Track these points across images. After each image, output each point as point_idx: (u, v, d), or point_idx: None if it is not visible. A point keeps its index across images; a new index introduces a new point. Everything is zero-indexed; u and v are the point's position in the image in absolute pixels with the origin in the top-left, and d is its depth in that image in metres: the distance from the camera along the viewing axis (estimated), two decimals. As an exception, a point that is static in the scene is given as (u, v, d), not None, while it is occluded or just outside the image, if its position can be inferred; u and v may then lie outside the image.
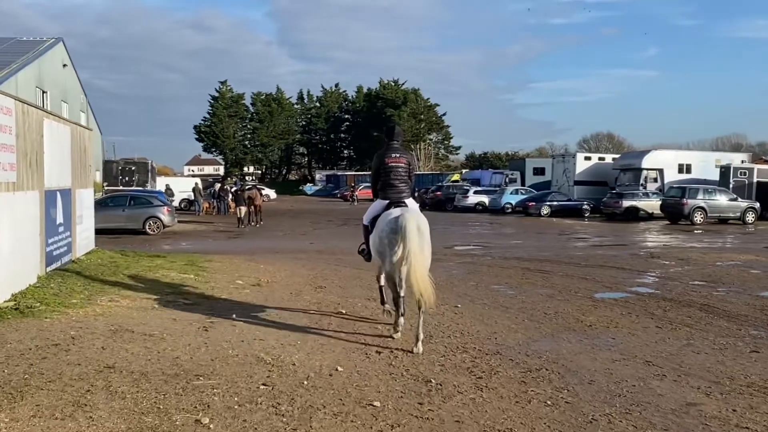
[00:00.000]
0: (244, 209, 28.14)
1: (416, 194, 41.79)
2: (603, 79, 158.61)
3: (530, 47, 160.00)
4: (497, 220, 33.99)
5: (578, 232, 26.96)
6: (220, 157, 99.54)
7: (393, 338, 7.65)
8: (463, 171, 56.59)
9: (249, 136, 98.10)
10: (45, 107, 33.36)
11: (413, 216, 7.32)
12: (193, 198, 37.99)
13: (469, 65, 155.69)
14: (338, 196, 65.05)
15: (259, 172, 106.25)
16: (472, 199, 40.85)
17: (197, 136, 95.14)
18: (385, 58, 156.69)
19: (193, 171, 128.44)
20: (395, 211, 7.52)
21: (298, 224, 30.52)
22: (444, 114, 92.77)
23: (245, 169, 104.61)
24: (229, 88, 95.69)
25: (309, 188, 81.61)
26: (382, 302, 8.73)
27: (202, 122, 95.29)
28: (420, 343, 7.17)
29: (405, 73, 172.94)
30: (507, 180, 46.07)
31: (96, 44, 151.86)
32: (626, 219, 33.10)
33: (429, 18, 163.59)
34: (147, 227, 23.51)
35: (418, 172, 76.61)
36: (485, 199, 40.81)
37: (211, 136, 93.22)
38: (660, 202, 32.97)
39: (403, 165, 7.96)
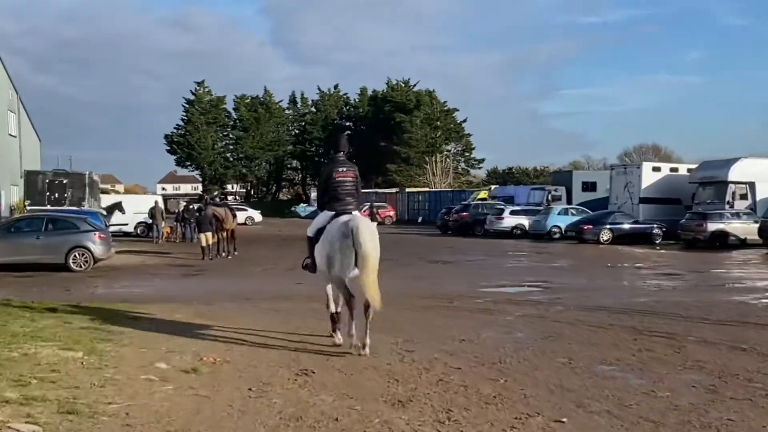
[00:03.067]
0: (208, 235, 24.43)
1: (434, 215, 37.59)
2: (640, 85, 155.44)
3: (560, 48, 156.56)
4: (545, 248, 30.14)
5: (660, 265, 23.13)
6: (197, 172, 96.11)
7: (336, 344, 9.08)
8: (492, 187, 52.91)
9: (231, 147, 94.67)
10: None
11: (364, 220, 8.69)
12: (150, 221, 34.32)
13: (490, 68, 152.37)
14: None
15: (244, 190, 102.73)
16: (509, 221, 37.07)
17: (169, 148, 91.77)
18: (393, 61, 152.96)
19: (165, 190, 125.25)
20: (344, 217, 8.72)
21: (285, 254, 26.79)
22: (464, 121, 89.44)
23: (228, 187, 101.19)
24: (207, 89, 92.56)
25: (302, 209, 77.86)
26: (334, 330, 9.42)
27: (175, 131, 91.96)
28: (367, 348, 8.58)
29: (416, 76, 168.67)
30: (550, 197, 42.33)
31: (62, 45, 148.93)
32: (711, 247, 29.30)
33: (444, 14, 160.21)
34: (71, 261, 19.80)
35: (434, 189, 73.33)
36: (525, 221, 37.02)
37: (186, 147, 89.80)
38: (757, 225, 29.17)
39: (350, 179, 9.06)
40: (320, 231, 8.93)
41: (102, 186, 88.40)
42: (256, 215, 59.79)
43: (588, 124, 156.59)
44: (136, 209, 36.80)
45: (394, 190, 74.15)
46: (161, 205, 35.61)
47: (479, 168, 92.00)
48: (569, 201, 42.61)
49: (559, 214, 35.40)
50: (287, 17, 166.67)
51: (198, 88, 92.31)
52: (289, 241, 35.95)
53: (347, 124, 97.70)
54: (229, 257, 25.30)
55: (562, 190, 43.10)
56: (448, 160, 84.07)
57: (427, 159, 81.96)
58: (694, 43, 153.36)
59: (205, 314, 11.72)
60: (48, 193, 27.71)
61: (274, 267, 22.01)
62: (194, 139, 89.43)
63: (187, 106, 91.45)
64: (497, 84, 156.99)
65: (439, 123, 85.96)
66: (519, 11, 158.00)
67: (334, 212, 8.91)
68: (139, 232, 37.08)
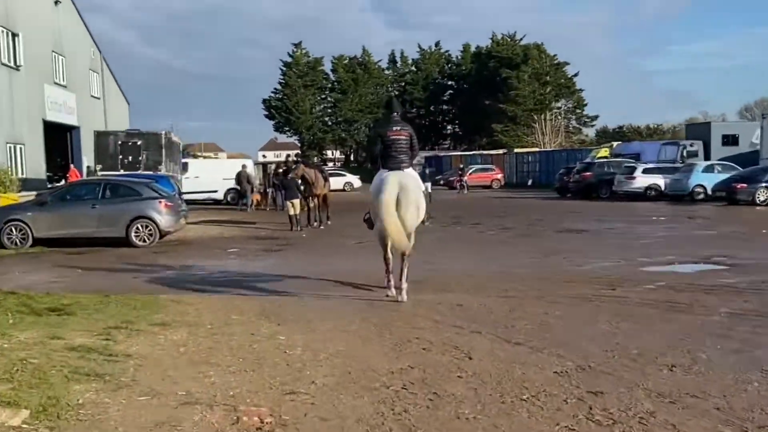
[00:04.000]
0: (296, 203, 21.12)
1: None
2: (750, 39, 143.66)
3: (666, 2, 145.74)
4: (694, 211, 25.37)
5: None
6: (296, 137, 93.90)
7: (398, 301, 9.25)
8: (614, 144, 47.63)
9: (329, 110, 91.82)
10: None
11: (398, 174, 9.28)
12: (240, 187, 31.45)
13: (594, 26, 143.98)
14: (441, 182, 57.33)
15: (343, 156, 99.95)
16: (641, 181, 32.21)
17: (267, 113, 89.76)
18: (495, 23, 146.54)
19: (266, 157, 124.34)
20: (386, 172, 9.38)
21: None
22: (576, 75, 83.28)
23: (328, 153, 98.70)
24: (304, 51, 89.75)
25: (402, 173, 74.38)
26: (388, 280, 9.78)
27: (273, 95, 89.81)
28: (404, 293, 9.26)
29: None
30: (685, 153, 37.09)
31: (171, 18, 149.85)
32: None
33: None
34: (132, 234, 16.78)
35: (544, 149, 68.23)
36: (660, 180, 32.08)
37: (284, 111, 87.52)
38: None
39: (404, 137, 9.64)
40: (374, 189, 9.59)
41: (204, 153, 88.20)
42: (355, 180, 56.59)
43: (696, 81, 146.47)
44: (226, 175, 34.04)
45: (501, 151, 69.42)
46: (250, 170, 32.70)
47: (592, 126, 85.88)
48: (707, 157, 37.28)
49: (703, 171, 30.24)
50: None
51: (295, 50, 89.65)
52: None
53: (449, 83, 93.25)
54: (321, 227, 21.95)
55: (698, 145, 37.76)
56: (558, 117, 78.40)
57: (535, 117, 76.53)
58: None
59: (271, 314, 8.27)
60: (121, 156, 25.03)
61: (372, 239, 18.44)
62: (292, 103, 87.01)
63: (284, 69, 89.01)
64: (601, 41, 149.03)
65: (548, 78, 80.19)
66: None
67: (388, 170, 9.45)
68: (229, 199, 34.35)
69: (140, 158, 25.11)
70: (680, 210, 26.31)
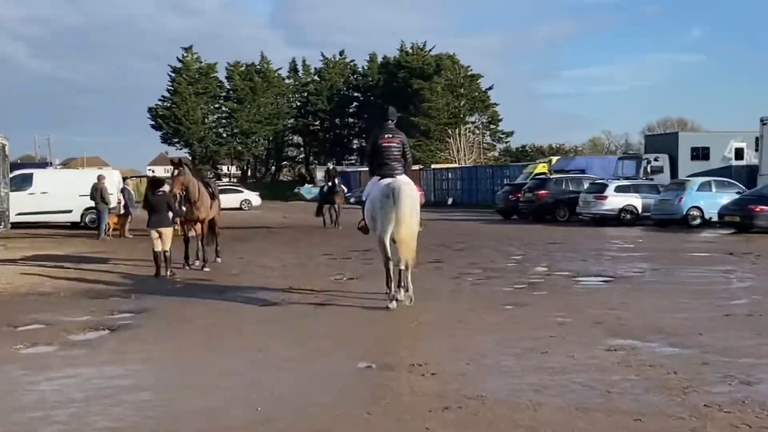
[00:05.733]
0: (166, 232, 13.38)
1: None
2: (640, 65, 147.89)
3: (560, 30, 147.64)
4: (713, 243, 19.06)
5: None
6: (186, 150, 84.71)
7: (388, 308, 9.49)
8: (553, 159, 41.72)
9: (224, 121, 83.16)
10: None
11: (404, 182, 9.56)
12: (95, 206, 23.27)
13: (490, 50, 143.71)
14: (352, 200, 50.04)
15: (239, 172, 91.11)
16: (614, 201, 25.84)
17: (153, 122, 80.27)
18: (394, 43, 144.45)
19: (154, 172, 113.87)
20: (386, 180, 9.58)
21: (310, 261, 15.90)
22: (490, 88, 78.08)
23: (223, 168, 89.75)
24: (195, 56, 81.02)
25: (307, 191, 66.73)
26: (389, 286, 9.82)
27: (160, 103, 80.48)
28: (411, 292, 9.80)
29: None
30: (649, 168, 31.27)
31: (63, 32, 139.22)
32: None
33: None
34: None
35: (458, 166, 62.28)
36: (636, 200, 25.92)
37: (172, 121, 78.32)
38: None
39: (395, 144, 9.90)
40: (368, 195, 9.99)
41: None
42: (254, 198, 48.74)
43: (587, 104, 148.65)
44: (84, 190, 25.64)
45: (415, 167, 62.91)
46: (112, 183, 24.46)
47: (507, 142, 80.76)
48: (673, 173, 31.62)
49: (698, 190, 24.10)
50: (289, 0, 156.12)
51: (185, 54, 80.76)
52: (301, 231, 24.91)
53: (355, 94, 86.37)
54: (206, 268, 14.28)
55: (663, 159, 32.02)
56: (474, 132, 72.91)
57: (449, 132, 70.79)
58: (694, 21, 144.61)
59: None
60: None
61: (300, 299, 10.92)
62: (182, 112, 78.01)
63: (173, 75, 79.93)
64: (495, 65, 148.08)
65: (462, 90, 74.60)
66: None
67: (380, 176, 9.72)
68: (87, 222, 25.95)
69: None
70: (690, 241, 19.98)
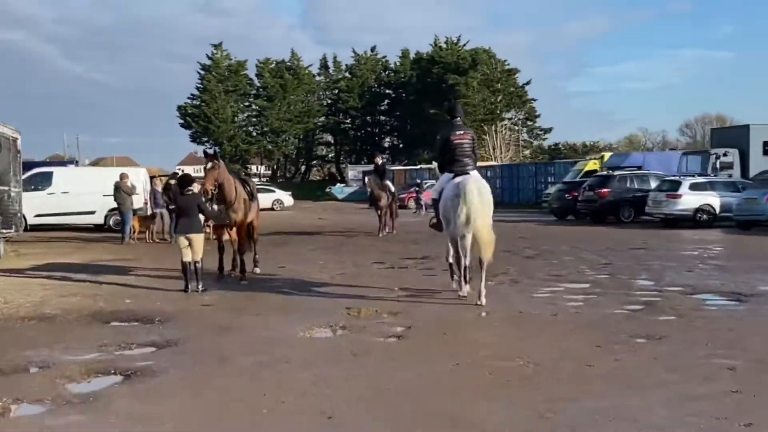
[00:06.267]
0: (197, 239, 11.16)
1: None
2: (670, 61, 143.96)
3: (590, 26, 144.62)
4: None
5: None
6: (215, 149, 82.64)
7: (460, 296, 9.87)
8: (606, 155, 39.09)
9: (254, 119, 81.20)
10: None
11: (474, 180, 9.53)
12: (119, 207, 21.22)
13: (519, 47, 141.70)
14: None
15: (269, 171, 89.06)
16: (689, 199, 23.24)
17: (182, 121, 78.56)
18: (422, 41, 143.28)
19: (182, 171, 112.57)
20: (458, 178, 9.62)
21: (341, 266, 13.64)
22: (527, 83, 75.36)
23: (252, 167, 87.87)
24: (225, 53, 79.19)
25: (339, 190, 64.71)
26: (452, 276, 10.51)
27: (189, 101, 78.74)
28: (483, 297, 9.41)
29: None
30: (718, 164, 28.62)
31: (94, 32, 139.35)
32: None
33: None
34: None
35: (498, 163, 59.83)
36: (715, 199, 23.32)
37: (202, 119, 76.52)
38: None
39: (467, 141, 9.97)
40: (442, 192, 9.95)
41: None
42: (286, 198, 46.67)
43: (617, 102, 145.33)
44: (107, 190, 23.59)
45: (452, 165, 60.46)
46: (138, 182, 22.33)
47: (545, 139, 77.99)
48: (743, 169, 28.92)
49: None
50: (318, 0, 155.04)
51: (215, 51, 78.95)
52: (342, 234, 22.65)
53: (387, 91, 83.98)
54: (243, 281, 12.09)
55: (733, 155, 29.31)
56: (514, 128, 70.37)
57: (485, 128, 68.24)
58: (725, 19, 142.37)
59: None
60: None
61: (365, 326, 8.67)
62: (211, 110, 76.17)
63: (202, 72, 78.17)
64: (524, 63, 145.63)
65: (499, 85, 71.93)
66: None
67: (453, 174, 9.78)
68: (111, 224, 23.93)
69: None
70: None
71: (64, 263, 14.76)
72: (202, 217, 11.67)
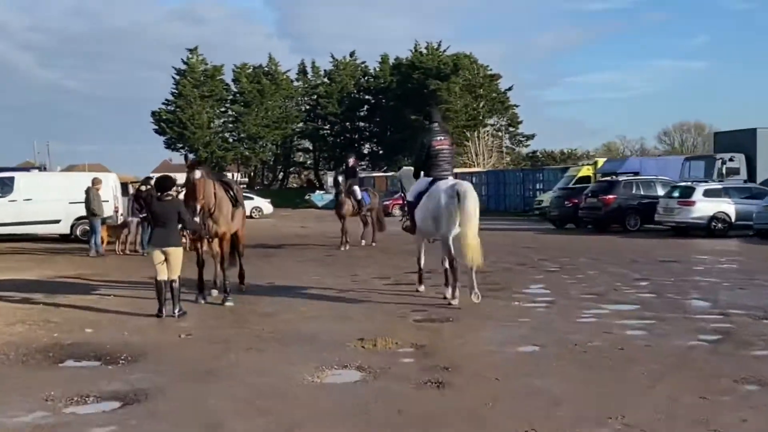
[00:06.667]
0: (175, 253, 9.27)
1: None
2: (644, 71, 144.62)
3: (563, 37, 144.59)
4: None
5: None
6: (191, 156, 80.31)
7: (451, 304, 9.52)
8: (599, 161, 37.53)
9: (231, 125, 78.79)
10: None
11: (469, 185, 9.91)
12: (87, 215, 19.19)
13: (494, 56, 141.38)
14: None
15: (246, 179, 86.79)
16: (704, 206, 21.66)
17: (156, 127, 76.11)
18: (398, 50, 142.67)
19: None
20: (450, 181, 9.89)
21: (338, 281, 11.78)
22: (509, 89, 73.78)
23: (228, 175, 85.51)
24: (201, 58, 76.85)
25: (319, 197, 62.56)
26: (420, 281, 10.97)
27: (164, 106, 76.34)
28: (477, 291, 9.55)
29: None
30: (724, 169, 27.12)
31: (69, 40, 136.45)
32: None
33: (450, 5, 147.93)
34: None
35: (483, 170, 58.30)
36: (729, 206, 21.77)
37: (177, 125, 74.09)
38: None
39: (447, 146, 10.17)
40: (420, 195, 10.01)
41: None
42: (265, 205, 44.82)
43: (590, 111, 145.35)
44: (74, 197, 21.55)
45: (435, 171, 58.83)
46: (95, 186, 20.12)
47: (527, 145, 76.53)
48: (751, 174, 27.46)
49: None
50: (294, 8, 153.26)
51: (190, 56, 76.58)
52: (329, 245, 20.65)
53: (366, 97, 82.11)
54: (227, 302, 10.20)
55: (739, 159, 27.85)
56: (497, 135, 68.98)
57: (468, 134, 66.74)
58: (700, 29, 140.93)
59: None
60: None
61: (387, 365, 6.86)
62: (186, 116, 73.65)
63: (177, 77, 75.77)
64: (500, 72, 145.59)
65: (481, 91, 70.38)
66: (521, 1, 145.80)
67: (432, 178, 9.95)
68: (79, 234, 21.88)
69: None
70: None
71: (18, 280, 12.80)
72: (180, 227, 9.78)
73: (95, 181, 19.25)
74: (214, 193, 10.06)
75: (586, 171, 35.98)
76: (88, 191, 18.84)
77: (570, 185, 32.63)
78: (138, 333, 8.25)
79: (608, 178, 27.13)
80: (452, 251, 9.65)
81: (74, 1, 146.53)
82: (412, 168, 10.84)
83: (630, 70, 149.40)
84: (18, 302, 10.40)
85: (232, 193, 10.89)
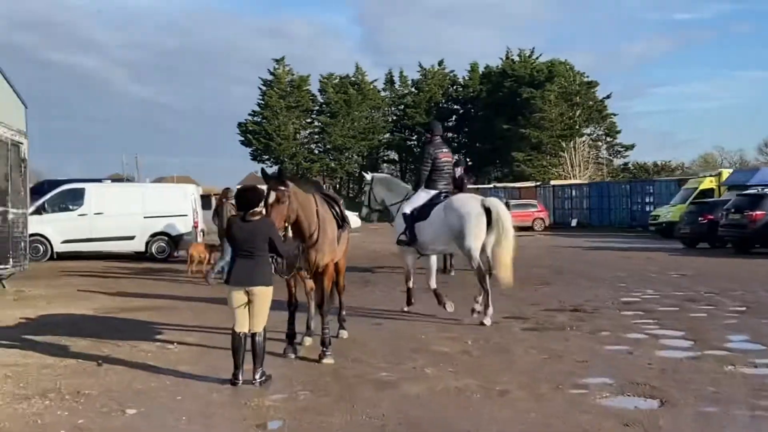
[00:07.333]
0: (262, 294, 6.63)
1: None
2: (732, 81, 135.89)
3: (651, 47, 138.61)
4: None
5: None
6: (277, 167, 78.92)
7: (484, 324, 9.17)
8: (724, 172, 33.59)
9: (316, 136, 77.25)
10: None
11: (498, 201, 9.72)
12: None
13: (581, 67, 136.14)
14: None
15: (332, 190, 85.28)
16: None
17: (242, 138, 75.11)
18: (486, 61, 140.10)
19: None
20: (474, 196, 10.10)
21: (461, 318, 8.92)
22: (607, 97, 69.42)
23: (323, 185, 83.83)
24: (287, 68, 75.55)
25: (406, 210, 60.02)
26: (408, 302, 10.36)
27: (250, 118, 75.31)
28: (489, 318, 9.28)
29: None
30: None
31: (161, 55, 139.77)
32: None
33: (536, 17, 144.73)
34: None
35: (585, 182, 54.57)
36: None
37: (263, 137, 72.93)
38: None
39: (450, 159, 10.48)
40: (424, 208, 9.84)
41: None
42: (354, 219, 41.93)
43: (678, 122, 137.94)
44: (150, 211, 19.43)
45: (530, 183, 55.45)
46: (179, 201, 17.80)
47: (626, 156, 71.98)
48: None
49: None
50: (379, 23, 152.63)
51: (277, 66, 75.40)
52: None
53: (455, 107, 79.24)
54: (325, 359, 7.45)
55: None
56: (592, 144, 64.95)
57: (563, 144, 62.98)
58: None
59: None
60: None
61: None
62: (272, 127, 72.49)
63: (264, 88, 74.68)
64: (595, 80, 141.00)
65: (578, 99, 66.37)
66: (607, 11, 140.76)
67: (437, 191, 10.01)
68: (154, 251, 19.71)
69: None
70: None
71: (68, 315, 10.40)
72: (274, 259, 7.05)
73: (225, 193, 15.47)
74: (317, 211, 7.38)
75: (708, 183, 32.22)
76: (219, 207, 15.47)
77: (692, 199, 29.03)
78: (199, 417, 5.57)
79: (754, 191, 23.31)
80: (483, 267, 9.41)
81: (166, 18, 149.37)
82: (386, 176, 10.03)
83: (717, 81, 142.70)
84: (49, 354, 7.86)
85: (336, 210, 8.17)
